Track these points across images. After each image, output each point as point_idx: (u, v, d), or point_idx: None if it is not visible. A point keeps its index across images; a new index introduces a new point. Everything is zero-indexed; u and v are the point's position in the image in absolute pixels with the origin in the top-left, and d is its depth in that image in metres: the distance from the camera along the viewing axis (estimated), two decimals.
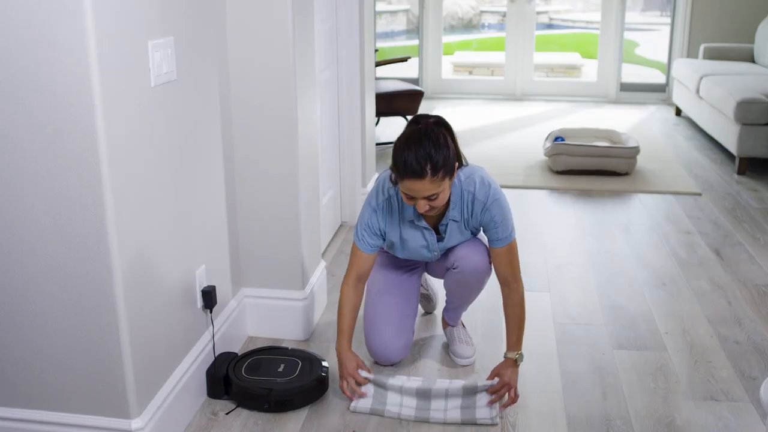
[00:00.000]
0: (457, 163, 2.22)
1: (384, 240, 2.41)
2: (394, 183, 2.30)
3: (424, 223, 2.36)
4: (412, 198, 2.19)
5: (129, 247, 1.91)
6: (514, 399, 2.31)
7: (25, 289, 1.92)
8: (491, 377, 2.34)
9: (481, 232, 2.48)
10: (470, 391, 2.30)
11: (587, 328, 2.86)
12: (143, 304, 2.00)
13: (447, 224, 2.37)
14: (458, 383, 2.33)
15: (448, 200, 2.32)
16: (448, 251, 2.49)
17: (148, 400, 2.05)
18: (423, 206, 2.19)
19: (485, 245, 2.47)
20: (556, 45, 11.11)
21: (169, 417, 2.14)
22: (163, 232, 2.09)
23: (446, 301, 2.68)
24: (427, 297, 2.94)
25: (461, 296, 2.58)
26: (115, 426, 2.00)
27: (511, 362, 2.34)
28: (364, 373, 2.34)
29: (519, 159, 5.14)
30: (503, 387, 2.30)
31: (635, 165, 4.74)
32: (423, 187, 2.13)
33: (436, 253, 2.46)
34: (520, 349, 2.37)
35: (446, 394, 2.31)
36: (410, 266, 2.64)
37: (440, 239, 2.41)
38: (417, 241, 2.41)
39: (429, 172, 2.11)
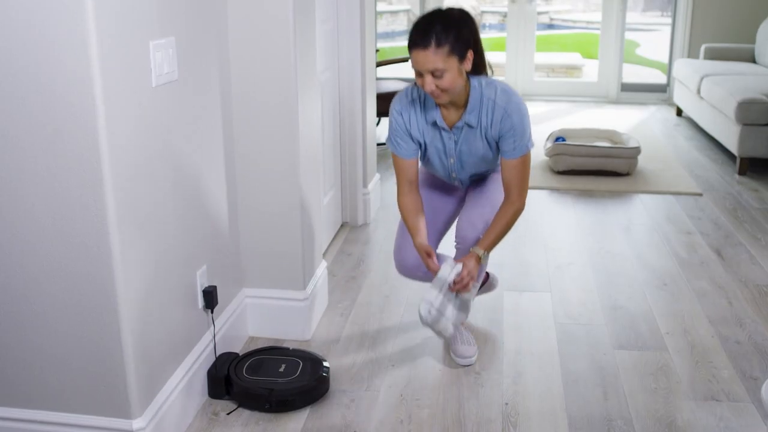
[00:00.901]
0: (470, 52, 2.24)
1: (414, 142, 2.44)
2: (417, 84, 2.37)
3: (443, 123, 2.37)
4: (420, 75, 2.23)
5: (130, 248, 1.91)
6: (467, 285, 2.35)
7: (26, 289, 1.92)
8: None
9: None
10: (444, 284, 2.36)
11: (588, 328, 2.86)
12: (144, 304, 2.00)
13: (462, 127, 2.37)
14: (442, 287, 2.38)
15: (466, 102, 2.33)
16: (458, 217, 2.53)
17: (150, 401, 2.05)
18: (429, 84, 2.22)
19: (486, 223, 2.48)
20: (556, 45, 11.12)
21: (170, 417, 2.14)
22: (163, 233, 2.08)
23: None
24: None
25: None
26: (116, 426, 2.00)
27: (476, 256, 2.37)
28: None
29: None
30: (467, 276, 2.33)
31: (636, 165, 4.74)
32: (426, 58, 2.18)
33: (452, 161, 2.45)
34: (488, 252, 2.40)
35: (441, 290, 2.36)
36: (448, 191, 2.65)
37: (456, 142, 2.42)
38: (436, 144, 2.43)
39: (434, 43, 2.16)
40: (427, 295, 2.37)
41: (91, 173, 1.80)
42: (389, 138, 2.45)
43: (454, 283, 2.34)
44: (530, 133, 2.37)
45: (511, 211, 2.40)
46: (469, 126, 2.36)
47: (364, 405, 2.38)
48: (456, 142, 2.41)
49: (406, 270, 2.59)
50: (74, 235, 1.85)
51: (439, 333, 2.43)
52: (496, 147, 2.41)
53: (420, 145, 2.45)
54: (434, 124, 2.38)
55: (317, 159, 2.86)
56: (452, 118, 2.38)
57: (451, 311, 2.37)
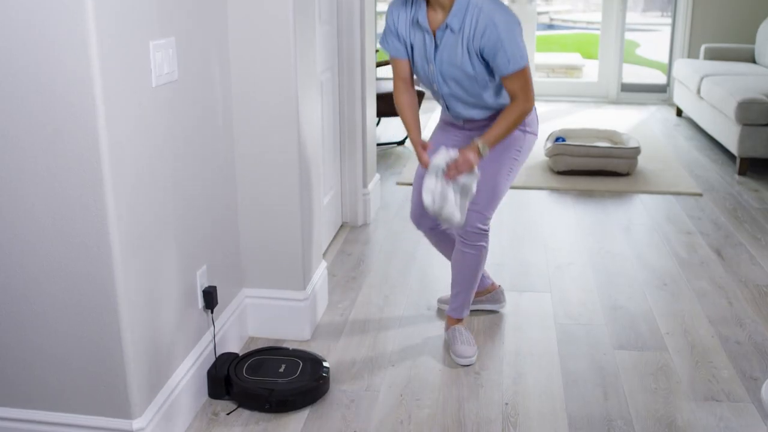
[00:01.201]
0: None
1: (401, 42, 2.48)
2: None
3: (426, 23, 2.39)
4: None
5: (130, 248, 1.91)
6: (460, 170, 2.37)
7: (26, 289, 1.92)
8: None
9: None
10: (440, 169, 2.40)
11: (588, 329, 2.86)
12: (144, 304, 2.00)
13: (445, 30, 2.37)
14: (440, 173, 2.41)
15: (451, 6, 2.33)
16: None
17: (150, 401, 2.05)
18: None
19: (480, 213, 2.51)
20: (557, 45, 11.13)
21: (170, 417, 2.14)
22: (163, 233, 2.09)
23: (451, 290, 2.68)
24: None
25: (462, 273, 2.62)
26: (116, 426, 2.00)
27: (476, 147, 2.38)
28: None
29: None
30: (462, 161, 2.36)
31: (636, 165, 4.74)
32: None
33: (432, 68, 2.45)
34: (489, 147, 2.41)
35: (437, 175, 2.40)
36: (460, 138, 2.65)
37: (437, 47, 2.41)
38: (419, 49, 2.45)
39: None
40: (426, 183, 2.41)
41: (91, 173, 1.80)
42: (382, 35, 2.52)
43: (449, 168, 2.37)
44: (523, 48, 2.35)
45: (517, 111, 2.40)
46: (451, 30, 2.35)
47: (364, 405, 2.38)
48: (437, 47, 2.41)
49: (417, 216, 2.69)
50: (74, 235, 1.85)
51: (448, 221, 2.43)
52: (483, 69, 2.38)
53: (407, 46, 2.48)
54: (417, 22, 2.41)
55: (317, 159, 2.86)
56: (438, 21, 2.39)
57: (453, 196, 2.39)
